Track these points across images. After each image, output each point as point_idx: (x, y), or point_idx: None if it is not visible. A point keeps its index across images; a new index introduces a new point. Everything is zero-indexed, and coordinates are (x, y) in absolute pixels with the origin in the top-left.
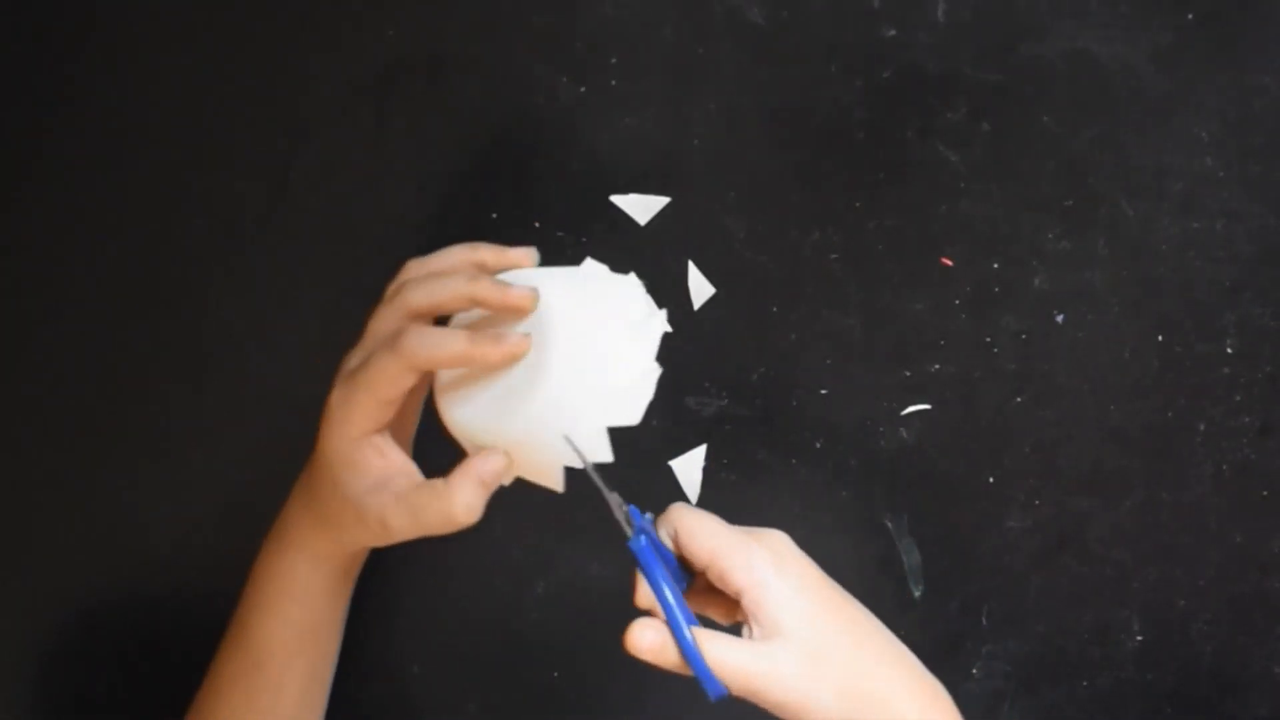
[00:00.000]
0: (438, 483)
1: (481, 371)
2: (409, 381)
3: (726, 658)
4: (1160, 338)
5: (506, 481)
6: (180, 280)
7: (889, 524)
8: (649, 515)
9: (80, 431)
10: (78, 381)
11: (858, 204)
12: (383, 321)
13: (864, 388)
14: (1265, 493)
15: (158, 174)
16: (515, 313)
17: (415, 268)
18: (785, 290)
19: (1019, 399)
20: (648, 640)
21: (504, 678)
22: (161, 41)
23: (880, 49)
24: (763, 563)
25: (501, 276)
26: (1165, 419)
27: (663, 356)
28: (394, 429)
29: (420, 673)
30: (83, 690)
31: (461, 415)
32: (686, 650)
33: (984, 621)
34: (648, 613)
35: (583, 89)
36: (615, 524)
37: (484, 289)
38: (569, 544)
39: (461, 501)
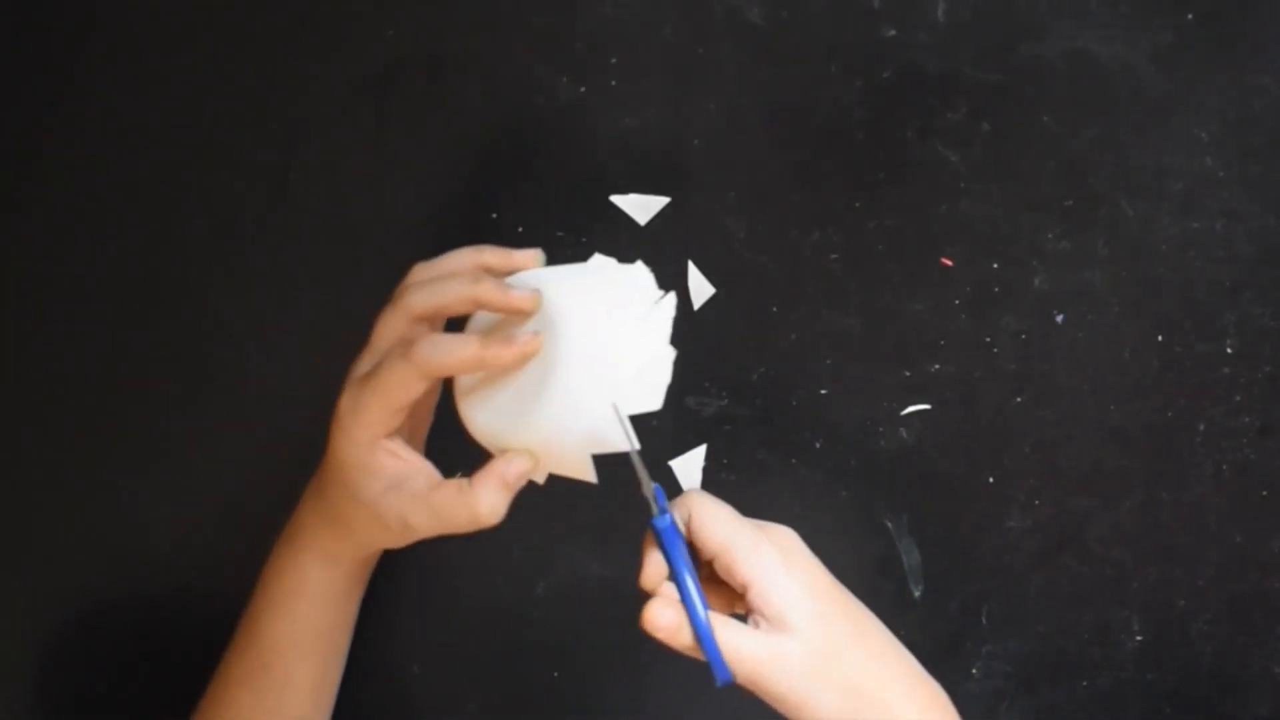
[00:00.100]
0: (461, 482)
1: (499, 374)
2: (421, 388)
3: (737, 645)
4: (1160, 338)
5: (540, 480)
6: (180, 280)
7: (889, 524)
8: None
9: (80, 431)
10: (78, 381)
11: (858, 204)
12: (388, 325)
13: (864, 388)
14: (1265, 493)
15: (158, 174)
16: (519, 314)
17: (421, 271)
18: (785, 290)
19: (1019, 399)
20: (666, 619)
21: (504, 678)
22: (161, 41)
23: (880, 49)
24: (771, 559)
25: (510, 278)
26: (1165, 419)
27: None
28: (407, 431)
29: (420, 673)
30: (83, 690)
31: (483, 419)
32: (700, 632)
33: (984, 621)
34: (650, 595)
35: (583, 89)
36: (641, 503)
37: (486, 291)
38: (569, 544)
39: (486, 502)
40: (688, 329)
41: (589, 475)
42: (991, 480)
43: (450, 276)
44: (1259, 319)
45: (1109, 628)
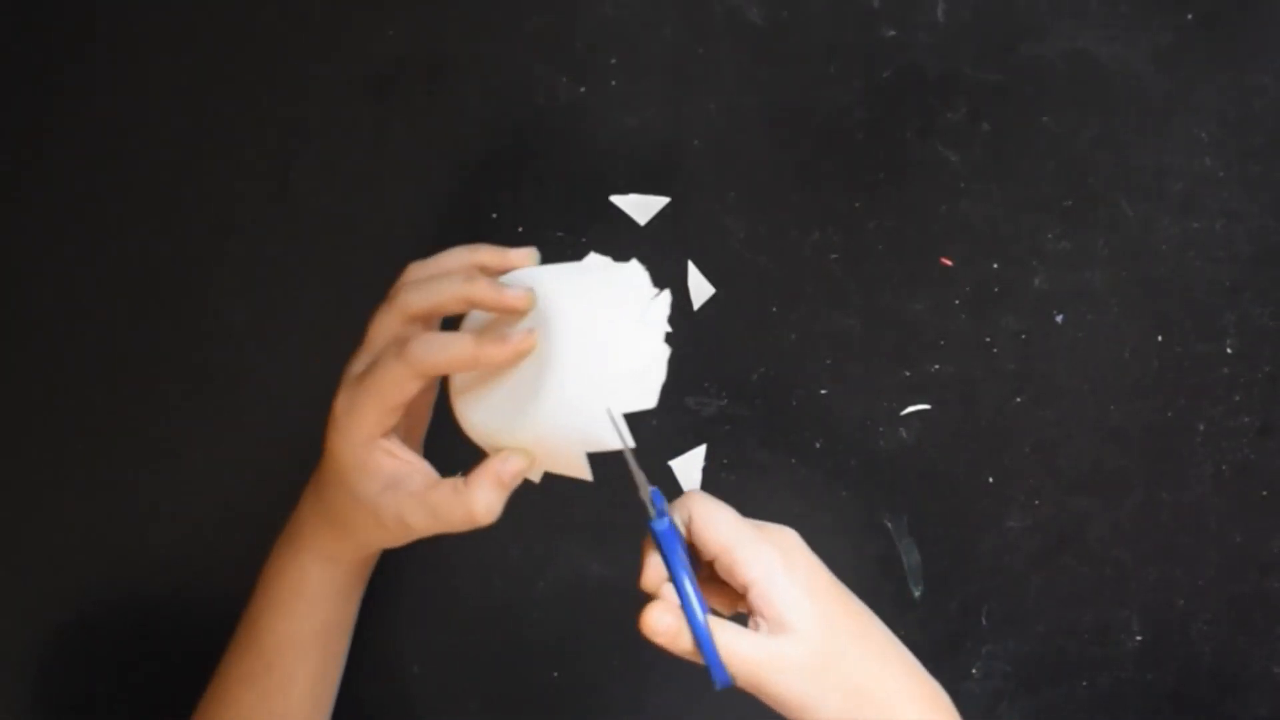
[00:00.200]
0: (457, 481)
1: (493, 373)
2: (415, 387)
3: (737, 648)
4: (1160, 338)
5: (536, 479)
6: (180, 280)
7: (889, 524)
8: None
9: (80, 431)
10: (78, 381)
11: (858, 204)
12: (382, 325)
13: (864, 388)
14: (1265, 493)
15: (158, 174)
16: (513, 313)
17: (416, 270)
18: (785, 290)
19: (1019, 399)
20: (665, 624)
21: (504, 677)
22: (161, 41)
23: (880, 49)
24: (772, 560)
25: (505, 277)
26: (1165, 419)
27: None
28: (404, 430)
29: (420, 673)
30: (83, 690)
31: (478, 418)
32: (699, 636)
33: (984, 621)
34: (652, 597)
35: (583, 89)
36: (640, 505)
37: (480, 290)
38: (569, 544)
39: (482, 501)
40: (687, 329)
41: (585, 474)
42: (991, 480)
43: (445, 275)
44: (1259, 319)
45: (1109, 628)
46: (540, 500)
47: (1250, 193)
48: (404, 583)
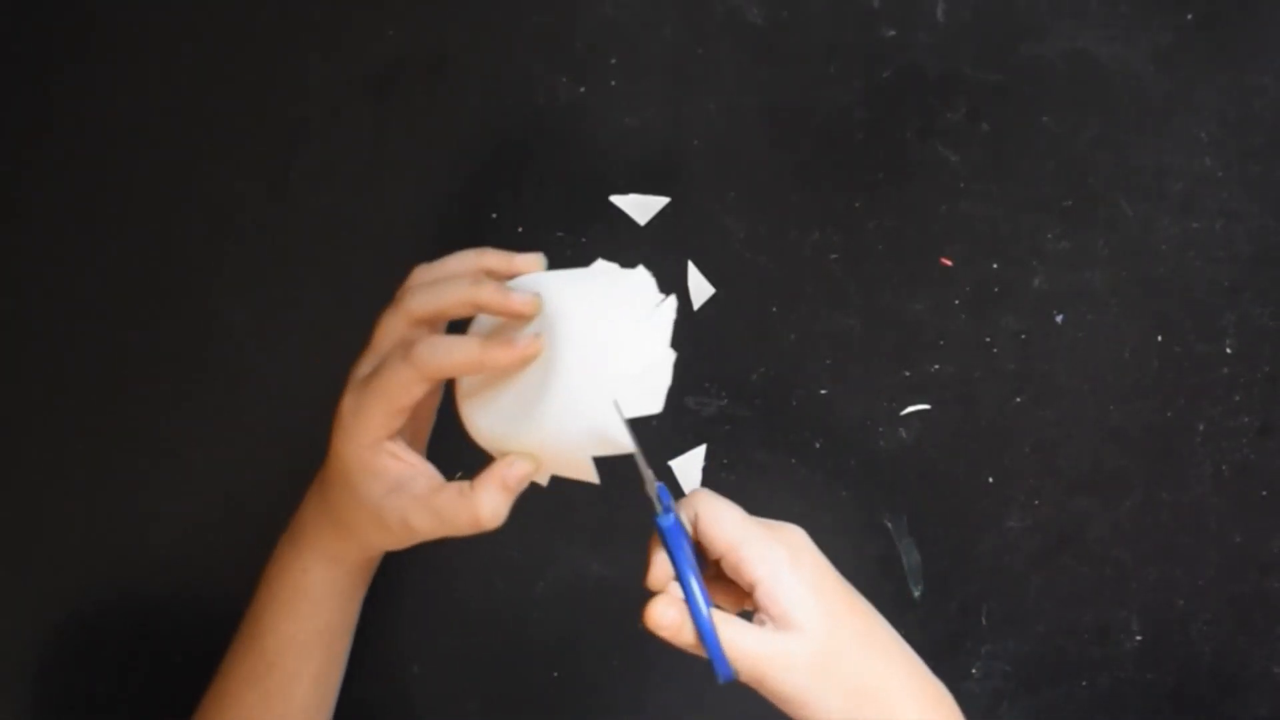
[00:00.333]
0: (462, 485)
1: (499, 377)
2: (421, 390)
3: (741, 642)
4: (1160, 338)
5: (543, 482)
6: (180, 280)
7: (889, 524)
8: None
9: (80, 431)
10: (78, 381)
11: (858, 204)
12: (388, 327)
13: (864, 388)
14: (1265, 493)
15: (158, 174)
16: (518, 317)
17: (422, 273)
18: (785, 290)
19: (1019, 399)
20: (669, 617)
21: (504, 677)
22: (161, 41)
23: (880, 49)
24: (779, 558)
25: (511, 282)
26: (1165, 419)
27: None
28: (409, 433)
29: (420, 673)
30: (83, 690)
31: (485, 422)
32: (703, 630)
33: (984, 621)
34: (656, 595)
35: (583, 89)
36: (646, 502)
37: (487, 294)
38: (569, 544)
39: (487, 506)
40: (688, 329)
41: (591, 477)
42: (991, 480)
43: (451, 279)
44: (1259, 319)
45: (1109, 628)
46: (541, 501)
47: (1250, 193)
48: (405, 583)
